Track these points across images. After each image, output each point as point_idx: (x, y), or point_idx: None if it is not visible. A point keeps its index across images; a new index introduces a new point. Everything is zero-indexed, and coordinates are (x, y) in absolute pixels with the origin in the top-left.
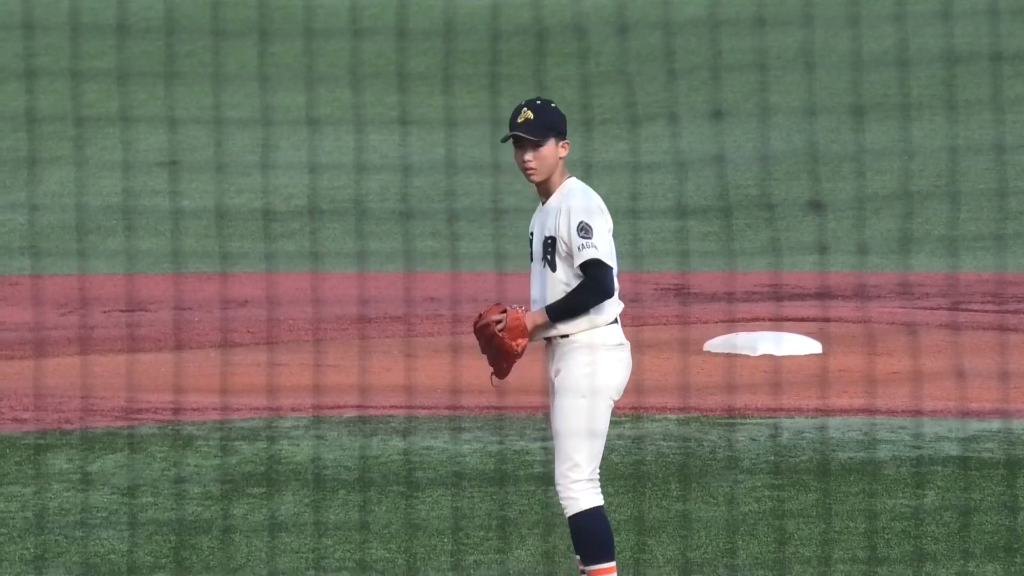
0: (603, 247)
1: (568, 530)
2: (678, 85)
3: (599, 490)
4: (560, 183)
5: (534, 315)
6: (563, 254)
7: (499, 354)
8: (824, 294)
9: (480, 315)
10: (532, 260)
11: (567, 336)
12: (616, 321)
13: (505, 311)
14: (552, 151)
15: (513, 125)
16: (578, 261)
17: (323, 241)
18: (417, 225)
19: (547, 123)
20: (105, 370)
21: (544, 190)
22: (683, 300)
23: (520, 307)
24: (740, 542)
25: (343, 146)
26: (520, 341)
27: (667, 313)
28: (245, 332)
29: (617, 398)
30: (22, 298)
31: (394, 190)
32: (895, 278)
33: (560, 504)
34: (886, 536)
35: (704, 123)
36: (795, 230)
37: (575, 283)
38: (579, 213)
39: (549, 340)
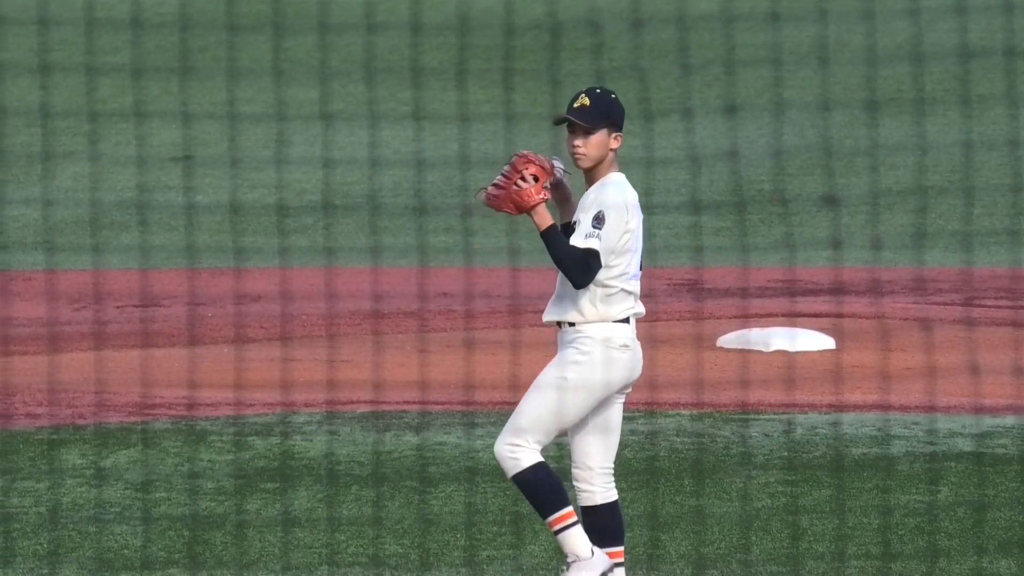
0: (607, 244)
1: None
2: (692, 80)
3: (538, 452)
4: (604, 174)
5: (542, 212)
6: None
7: (500, 193)
8: (838, 289)
9: (532, 161)
10: None
11: (574, 325)
12: (627, 320)
13: (538, 179)
14: (603, 140)
15: (568, 109)
16: (576, 242)
17: (336, 236)
18: (430, 220)
19: (602, 112)
20: (119, 365)
21: (589, 178)
22: (696, 296)
23: (546, 194)
24: (754, 538)
25: (357, 141)
26: (510, 208)
27: (680, 309)
28: (258, 327)
29: (604, 395)
30: (36, 293)
31: (407, 185)
32: (909, 273)
33: (504, 471)
34: (900, 532)
35: (718, 118)
36: (809, 225)
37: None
38: (601, 204)
39: (560, 326)
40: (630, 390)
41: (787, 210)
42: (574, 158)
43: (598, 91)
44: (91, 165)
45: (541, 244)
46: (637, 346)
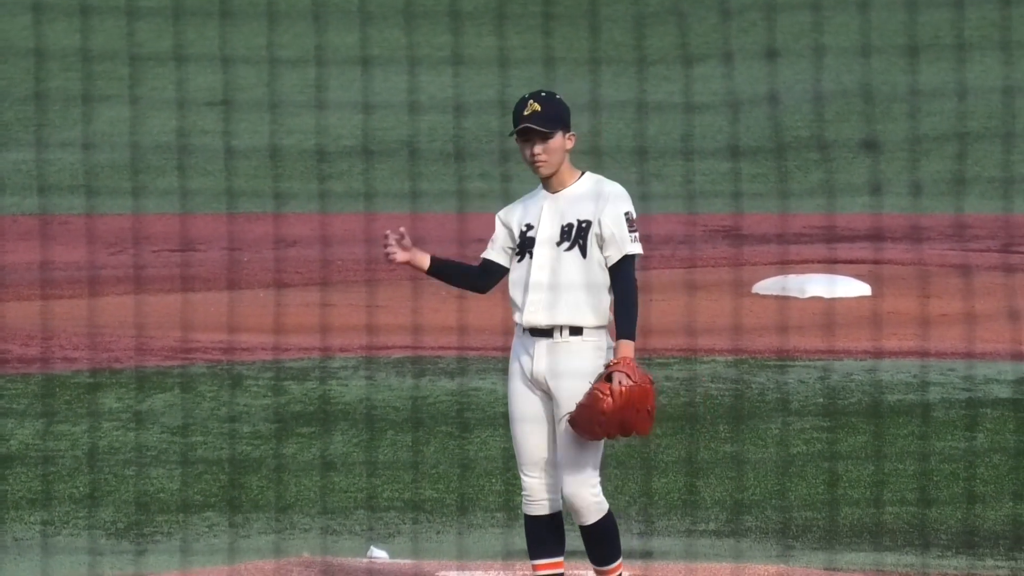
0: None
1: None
2: (731, 25)
3: None
4: (573, 175)
5: (626, 348)
6: (596, 240)
7: (638, 403)
8: (876, 236)
9: (609, 395)
10: (531, 247)
11: (580, 333)
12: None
13: (611, 379)
14: (560, 144)
15: (520, 118)
16: (624, 251)
17: (374, 181)
18: (468, 166)
19: (555, 115)
20: (156, 309)
21: (553, 184)
22: (734, 242)
23: (611, 370)
24: (789, 484)
25: (394, 86)
26: (643, 377)
27: (717, 255)
28: (295, 272)
29: None
30: (74, 237)
31: (445, 130)
32: (948, 220)
33: (579, 513)
34: (936, 478)
35: (756, 63)
36: (847, 171)
37: (604, 274)
38: (625, 201)
39: (543, 335)
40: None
41: (825, 156)
42: (535, 167)
43: (543, 94)
44: (129, 109)
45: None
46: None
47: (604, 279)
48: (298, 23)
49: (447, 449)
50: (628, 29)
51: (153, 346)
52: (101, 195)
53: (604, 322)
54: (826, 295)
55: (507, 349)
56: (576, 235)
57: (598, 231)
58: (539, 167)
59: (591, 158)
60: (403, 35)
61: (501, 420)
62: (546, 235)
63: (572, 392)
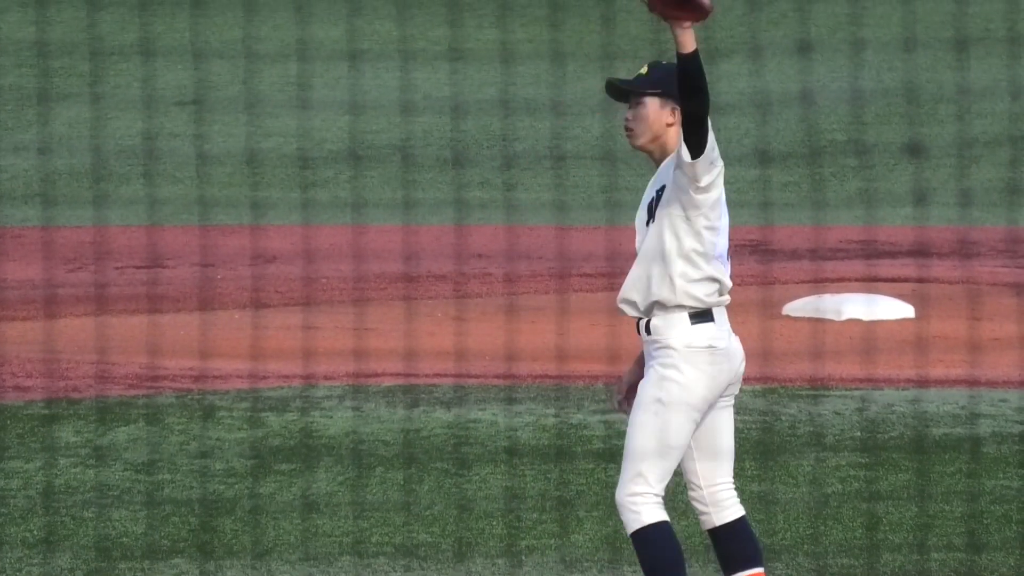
0: (709, 153)
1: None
2: (759, 16)
3: (661, 506)
4: (673, 148)
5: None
6: (671, 201)
7: None
8: (920, 251)
9: None
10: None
11: (650, 333)
12: (709, 315)
13: None
14: (656, 112)
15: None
16: (686, 158)
17: (363, 190)
18: (467, 173)
19: (657, 79)
20: (119, 332)
21: (656, 159)
22: (762, 258)
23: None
24: (823, 527)
25: (385, 84)
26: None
27: (743, 272)
28: (275, 291)
29: (706, 407)
30: (28, 252)
31: (441, 134)
32: (1000, 233)
33: (624, 524)
34: (986, 521)
35: (787, 59)
36: (888, 179)
37: (674, 238)
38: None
39: (636, 328)
40: (736, 391)
41: (864, 162)
42: (626, 134)
43: (663, 62)
44: (91, 109)
45: (590, 199)
46: (732, 340)
47: (678, 245)
48: (278, 13)
49: (443, 488)
50: (645, 21)
51: (116, 374)
52: (58, 205)
53: (683, 301)
54: (865, 317)
55: (509, 376)
56: (651, 210)
57: (672, 188)
58: (627, 136)
59: (604, 163)
60: (395, 27)
61: (503, 455)
62: (641, 220)
63: (640, 391)
